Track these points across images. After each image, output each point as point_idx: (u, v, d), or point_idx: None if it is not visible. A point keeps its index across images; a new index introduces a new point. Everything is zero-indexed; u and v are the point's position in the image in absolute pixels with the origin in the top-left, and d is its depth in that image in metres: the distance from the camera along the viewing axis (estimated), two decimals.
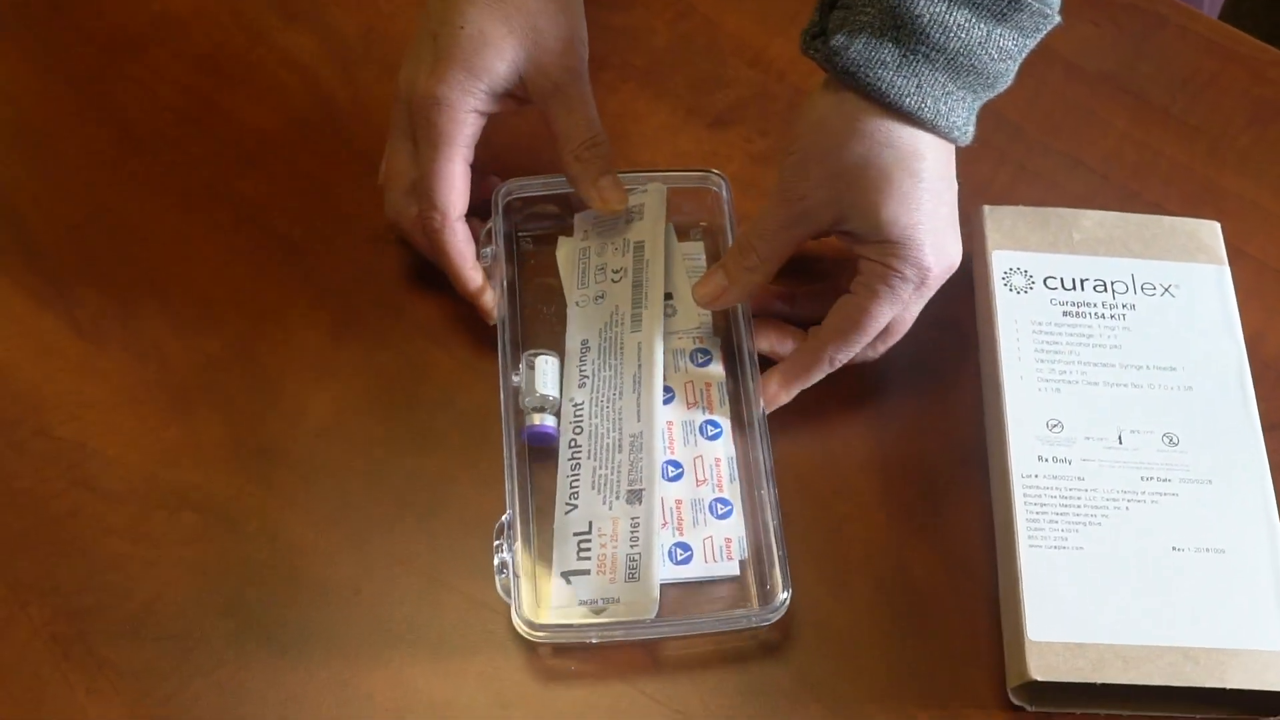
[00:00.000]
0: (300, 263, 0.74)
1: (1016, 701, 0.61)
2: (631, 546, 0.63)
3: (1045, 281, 0.69)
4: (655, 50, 0.82)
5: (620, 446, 0.66)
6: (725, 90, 0.80)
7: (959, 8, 0.59)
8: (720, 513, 0.65)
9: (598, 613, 0.62)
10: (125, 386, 0.70)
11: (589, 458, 0.66)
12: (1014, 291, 0.69)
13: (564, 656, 0.63)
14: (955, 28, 0.59)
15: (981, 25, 0.59)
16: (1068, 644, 0.60)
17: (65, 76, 0.81)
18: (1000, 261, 0.70)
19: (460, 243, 0.69)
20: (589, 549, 0.64)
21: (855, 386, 0.69)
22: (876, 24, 0.60)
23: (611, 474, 0.65)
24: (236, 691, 0.62)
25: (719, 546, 0.64)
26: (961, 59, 0.60)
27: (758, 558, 0.64)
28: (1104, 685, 0.59)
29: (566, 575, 0.63)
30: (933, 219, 0.62)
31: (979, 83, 0.61)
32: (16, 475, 0.67)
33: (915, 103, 0.60)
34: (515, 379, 0.68)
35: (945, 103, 0.61)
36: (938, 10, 0.59)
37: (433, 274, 0.72)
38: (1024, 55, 0.62)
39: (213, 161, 0.77)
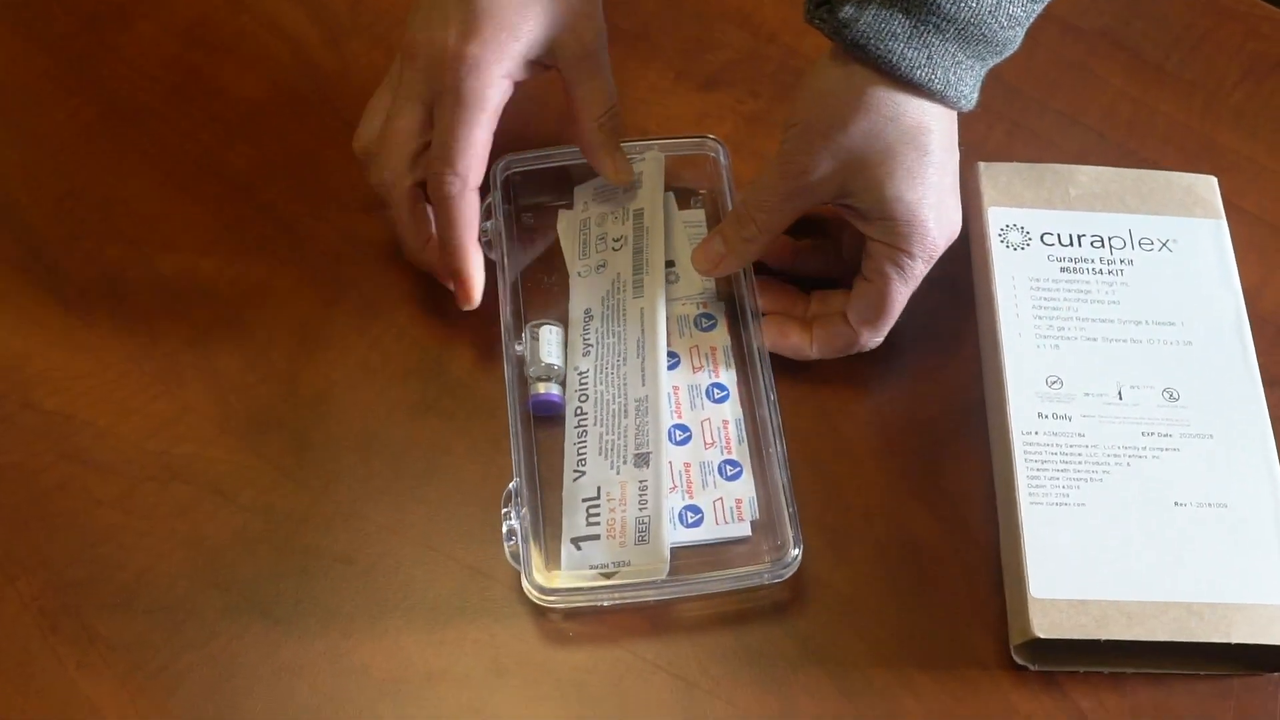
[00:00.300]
0: (289, 233, 0.73)
1: (1020, 661, 0.60)
2: (640, 510, 0.63)
3: (1042, 238, 0.69)
4: (644, 13, 0.81)
5: (626, 411, 0.65)
6: (715, 52, 0.79)
7: None
8: (729, 474, 0.65)
9: (608, 576, 0.62)
10: (114, 359, 0.69)
11: (595, 424, 0.66)
12: (1011, 248, 0.68)
13: (561, 623, 0.62)
14: None
15: None
16: (1071, 601, 0.59)
17: (50, 49, 0.80)
18: (997, 218, 0.69)
19: (471, 214, 0.66)
20: (598, 514, 0.63)
21: None
22: None
23: (618, 439, 0.65)
24: (229, 664, 0.61)
25: (729, 508, 0.64)
26: (972, 29, 0.59)
27: (768, 517, 0.64)
28: (1108, 642, 0.58)
29: (576, 541, 0.63)
30: (937, 192, 0.62)
31: (988, 51, 0.60)
32: (5, 449, 0.66)
33: (926, 75, 0.59)
34: (519, 349, 0.67)
35: (955, 73, 0.60)
36: None
37: None
38: (1031, 21, 0.61)
39: (200, 133, 0.77)
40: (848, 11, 0.59)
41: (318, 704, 0.60)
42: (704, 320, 0.69)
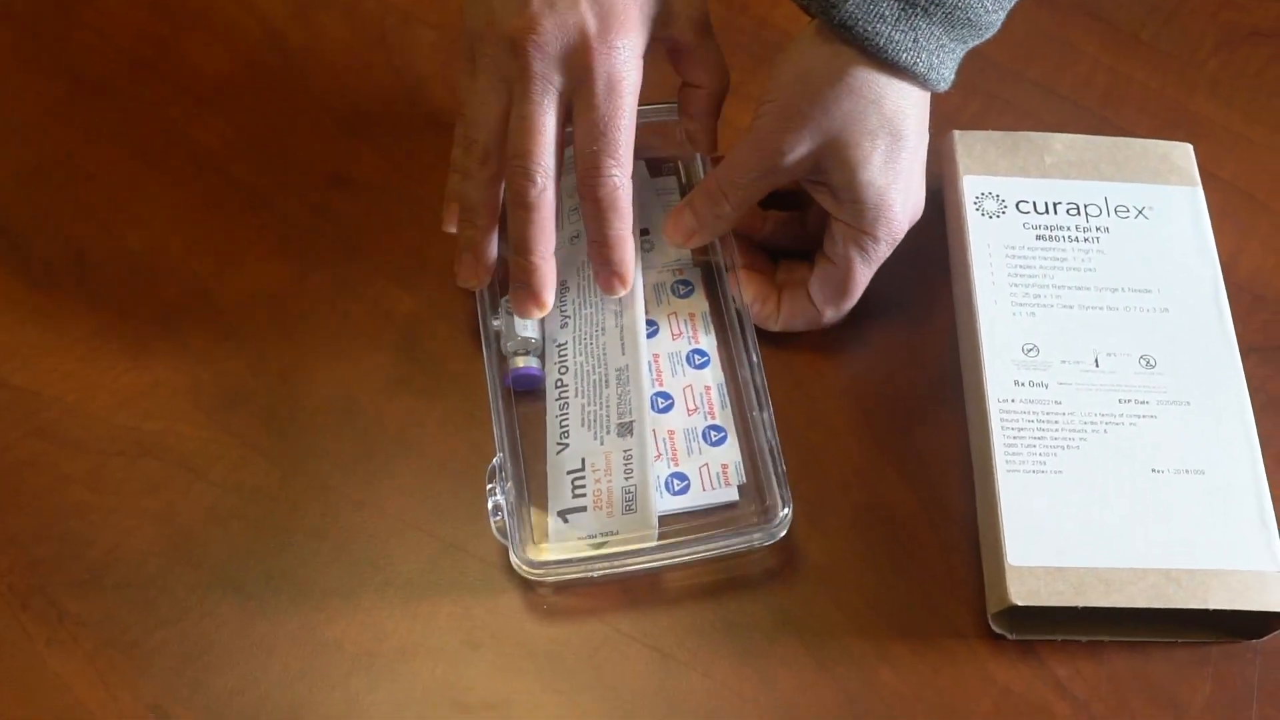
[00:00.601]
0: (259, 208, 0.72)
1: (997, 629, 0.60)
2: (626, 479, 0.62)
3: (1017, 206, 0.68)
4: None
5: (607, 381, 0.65)
6: None
7: None
8: (714, 440, 0.65)
9: (597, 547, 0.61)
10: (82, 335, 0.68)
11: (576, 395, 0.65)
12: (986, 216, 0.68)
13: (537, 595, 0.62)
14: None
15: None
16: (1048, 568, 0.59)
17: (16, 23, 0.79)
18: (972, 186, 0.69)
19: (551, 200, 0.62)
20: (584, 486, 0.63)
21: None
22: None
23: (601, 409, 0.64)
24: (200, 641, 0.60)
25: (715, 473, 0.64)
26: (959, 13, 0.59)
27: (756, 481, 0.64)
28: (1086, 610, 0.58)
29: (563, 514, 0.63)
30: (906, 177, 0.62)
31: (971, 33, 0.60)
32: None
33: (911, 58, 0.59)
34: (495, 324, 0.67)
35: (939, 56, 0.60)
36: None
37: (394, 217, 0.71)
38: (1014, 3, 0.61)
39: (168, 107, 0.76)
40: None
41: (290, 679, 0.60)
42: (681, 287, 0.69)
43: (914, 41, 0.59)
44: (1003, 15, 0.61)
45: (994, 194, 0.69)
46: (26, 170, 0.73)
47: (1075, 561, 0.59)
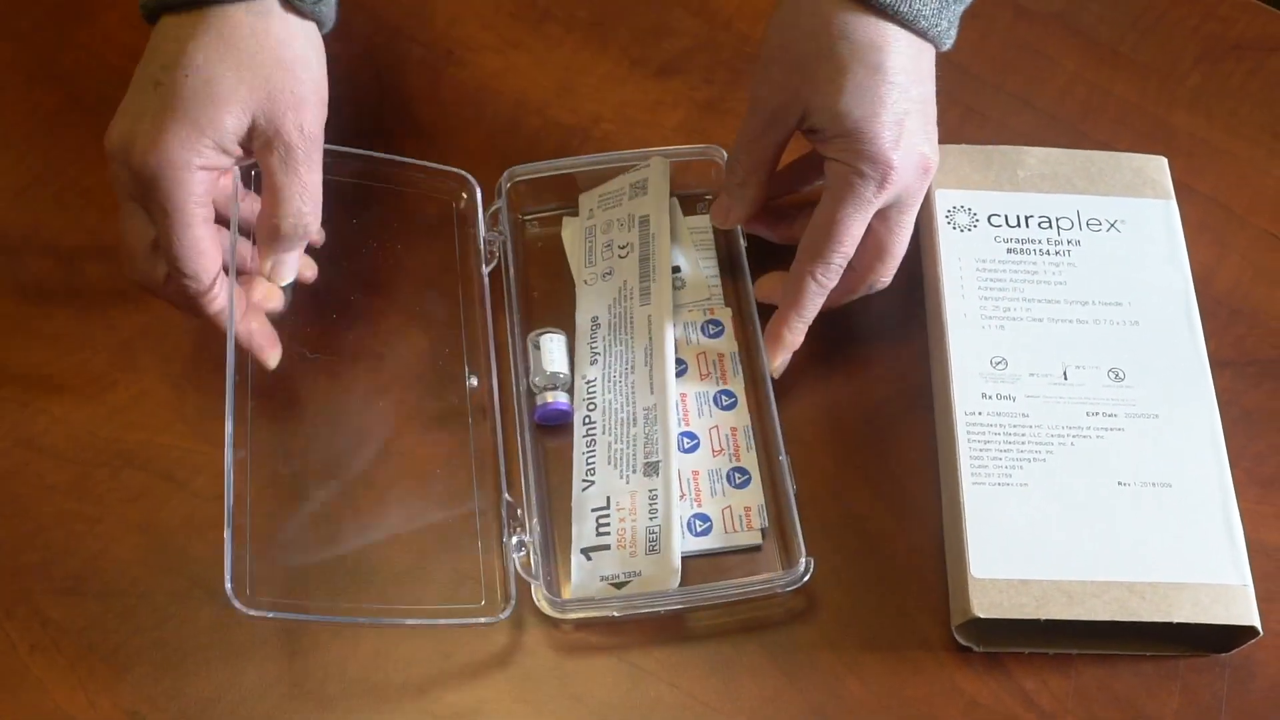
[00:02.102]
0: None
1: (963, 641, 0.61)
2: (650, 519, 0.63)
3: (989, 219, 0.69)
4: (599, 1, 0.81)
5: (635, 420, 0.65)
6: (670, 40, 0.79)
7: None
8: (738, 482, 0.65)
9: (619, 587, 0.62)
10: (70, 347, 0.70)
11: (604, 433, 0.66)
12: (958, 230, 0.68)
13: (531, 629, 0.62)
14: None
15: None
16: (1011, 580, 0.59)
17: (13, 40, 0.81)
18: (944, 200, 0.69)
19: (225, 305, 0.62)
20: (608, 524, 0.63)
21: None
22: None
23: (627, 448, 0.65)
24: (179, 648, 0.62)
25: (739, 516, 0.64)
26: None
27: (780, 526, 0.64)
28: (1051, 622, 0.58)
29: (586, 552, 0.63)
30: (894, 113, 0.61)
31: None
32: None
33: (896, 2, 0.59)
34: (530, 356, 0.67)
35: (933, 5, 0.60)
36: None
37: (366, 230, 0.72)
38: None
39: None
40: None
41: (266, 686, 0.61)
42: (711, 327, 0.69)
43: None
44: None
45: (966, 207, 0.69)
46: (21, 184, 0.75)
47: (1039, 574, 0.59)
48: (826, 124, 0.61)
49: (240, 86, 0.59)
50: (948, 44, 0.62)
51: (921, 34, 0.61)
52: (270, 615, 0.58)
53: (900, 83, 0.60)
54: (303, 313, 0.67)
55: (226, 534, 0.57)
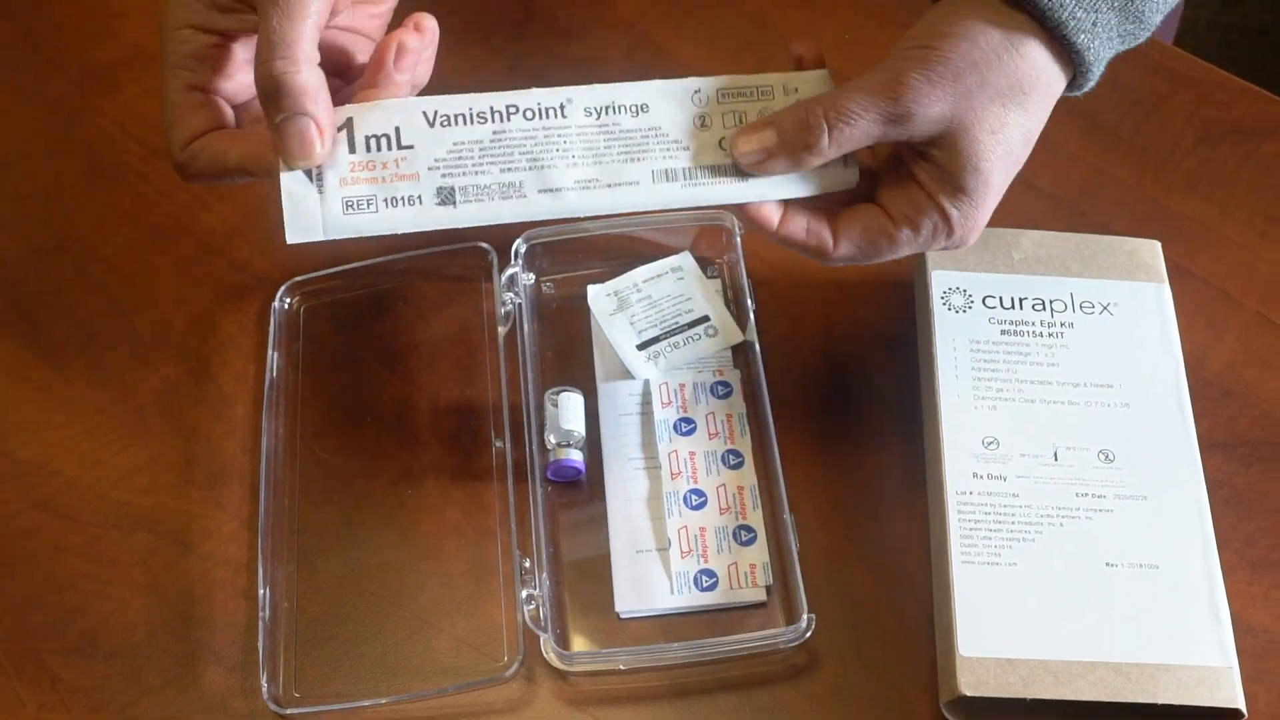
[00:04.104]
0: (260, 293, 0.75)
1: (951, 718, 0.61)
2: None
3: (984, 300, 0.70)
4: (610, 78, 0.83)
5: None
6: None
7: None
8: (744, 539, 0.66)
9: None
10: (86, 410, 0.71)
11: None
12: (953, 310, 0.69)
13: (542, 682, 0.63)
14: None
15: None
16: (999, 659, 0.60)
17: (39, 108, 0.83)
18: (940, 281, 0.70)
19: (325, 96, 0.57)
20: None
21: (798, 404, 0.70)
22: None
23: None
24: (183, 709, 0.63)
25: (744, 573, 0.65)
26: (1135, 3, 0.56)
27: (784, 584, 0.65)
28: (1037, 701, 0.59)
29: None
30: (1003, 187, 0.59)
31: (1132, 32, 0.57)
32: None
33: (1086, 40, 0.56)
34: (544, 415, 0.69)
35: (1108, 47, 0.57)
36: None
37: (393, 297, 0.74)
38: (1169, 10, 0.58)
39: (179, 193, 0.79)
40: None
41: None
42: (720, 388, 0.71)
43: (1093, 24, 0.56)
44: (1159, 20, 0.58)
45: (961, 289, 0.70)
46: (44, 249, 0.77)
47: (1026, 653, 0.60)
48: (949, 161, 0.57)
49: None
50: (1090, 87, 0.60)
51: (1080, 86, 0.59)
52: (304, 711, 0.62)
53: (1023, 159, 0.59)
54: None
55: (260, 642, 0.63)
